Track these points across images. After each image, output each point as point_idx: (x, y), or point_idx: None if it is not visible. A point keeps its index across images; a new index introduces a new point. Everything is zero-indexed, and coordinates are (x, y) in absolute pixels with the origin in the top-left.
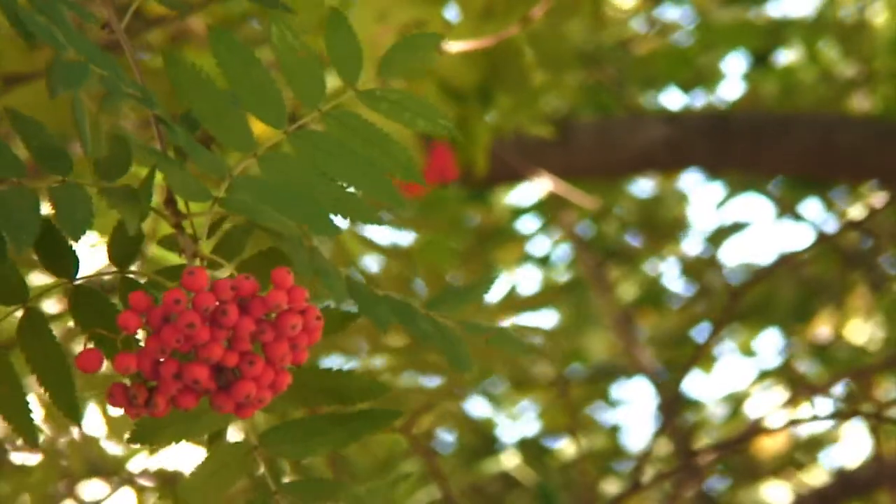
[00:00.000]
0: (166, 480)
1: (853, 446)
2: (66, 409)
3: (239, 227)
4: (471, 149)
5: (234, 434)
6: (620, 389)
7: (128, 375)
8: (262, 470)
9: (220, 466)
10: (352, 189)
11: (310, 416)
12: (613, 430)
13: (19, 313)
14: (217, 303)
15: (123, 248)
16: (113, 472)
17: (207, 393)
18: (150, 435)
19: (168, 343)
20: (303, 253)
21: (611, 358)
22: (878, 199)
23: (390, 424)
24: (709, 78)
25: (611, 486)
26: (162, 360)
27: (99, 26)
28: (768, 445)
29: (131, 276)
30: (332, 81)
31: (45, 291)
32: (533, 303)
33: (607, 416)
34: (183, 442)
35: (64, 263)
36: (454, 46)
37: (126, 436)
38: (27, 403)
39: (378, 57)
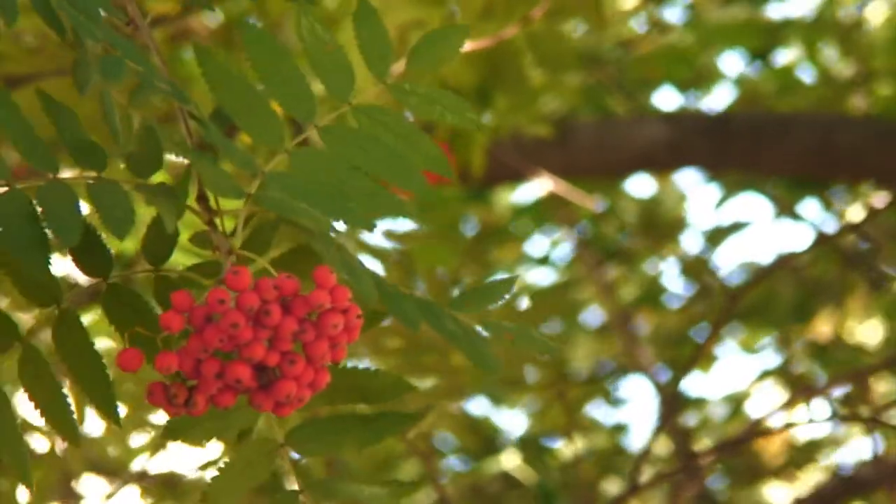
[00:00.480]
0: (165, 482)
1: (853, 447)
2: (105, 407)
3: (266, 224)
4: (468, 149)
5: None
6: (620, 389)
7: (168, 374)
8: (286, 468)
9: (247, 464)
10: (382, 183)
11: (336, 415)
12: (614, 430)
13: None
14: (260, 302)
15: (158, 246)
16: (113, 472)
17: (247, 392)
18: (183, 432)
19: (211, 343)
20: (333, 250)
21: (610, 358)
22: (878, 199)
23: (414, 425)
24: (708, 78)
25: (611, 486)
26: (203, 359)
27: (124, 23)
28: (768, 446)
29: (166, 273)
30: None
31: (80, 290)
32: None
33: (607, 416)
34: (214, 440)
35: (98, 262)
36: None
37: (159, 433)
38: (66, 401)
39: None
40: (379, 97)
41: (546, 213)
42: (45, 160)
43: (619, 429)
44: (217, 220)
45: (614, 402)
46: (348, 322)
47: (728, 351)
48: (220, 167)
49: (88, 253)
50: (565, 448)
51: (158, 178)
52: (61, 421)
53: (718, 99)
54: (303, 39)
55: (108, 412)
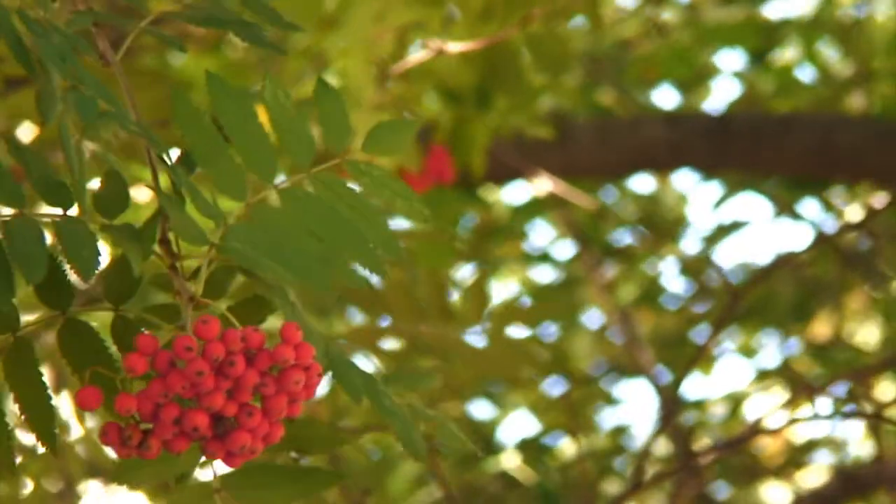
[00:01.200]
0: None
1: (853, 447)
2: (45, 438)
3: (222, 269)
4: (468, 150)
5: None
6: (620, 389)
7: (125, 416)
8: None
9: None
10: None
11: (270, 465)
12: (614, 431)
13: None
14: (226, 353)
15: (120, 285)
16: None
17: (202, 439)
18: (129, 475)
19: (173, 388)
20: (289, 304)
21: (609, 358)
22: (878, 199)
23: (338, 484)
24: (707, 78)
25: (611, 486)
26: (162, 403)
27: (96, 58)
28: (768, 446)
29: (124, 313)
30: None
31: (36, 322)
32: (536, 315)
33: (608, 416)
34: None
35: (58, 295)
36: (452, 47)
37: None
38: (51, 404)
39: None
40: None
41: (545, 212)
42: (12, 195)
43: (620, 429)
44: (178, 265)
45: (614, 402)
46: (308, 379)
47: (728, 351)
48: (187, 213)
49: (50, 286)
50: (566, 448)
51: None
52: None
53: (718, 99)
54: (266, 104)
55: (49, 444)
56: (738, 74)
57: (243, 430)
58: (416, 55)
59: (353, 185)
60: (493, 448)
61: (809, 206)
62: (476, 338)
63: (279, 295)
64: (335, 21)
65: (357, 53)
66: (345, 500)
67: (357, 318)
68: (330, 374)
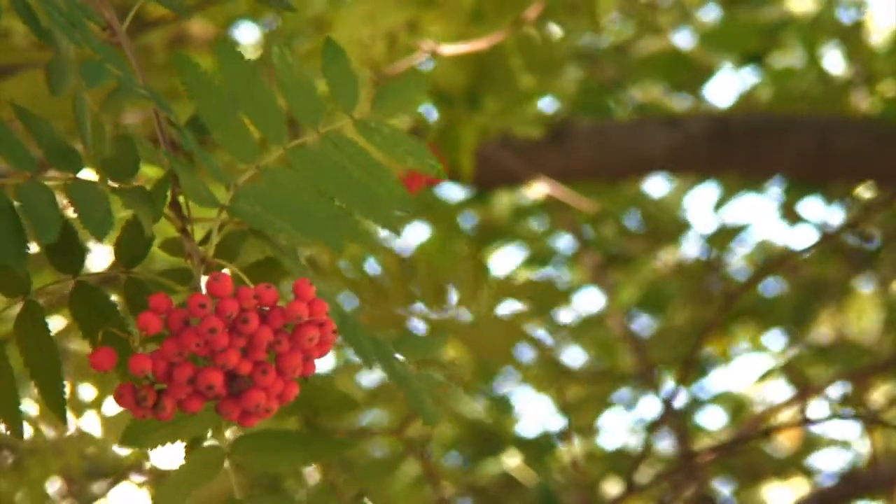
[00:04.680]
0: (160, 477)
1: (854, 447)
2: (54, 405)
3: (235, 233)
4: (456, 151)
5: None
6: (622, 390)
7: (139, 377)
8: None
9: (194, 471)
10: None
11: (279, 430)
12: (614, 431)
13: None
14: (239, 310)
15: (132, 249)
16: (110, 469)
17: (216, 398)
18: (141, 438)
19: (187, 347)
20: (300, 265)
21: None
22: (878, 200)
23: (346, 451)
24: (707, 80)
25: (611, 487)
26: (176, 363)
27: (101, 28)
28: (770, 445)
29: (136, 276)
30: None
31: (48, 286)
32: (531, 289)
33: (608, 416)
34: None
35: (71, 259)
36: (443, 49)
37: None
38: (17, 395)
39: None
40: (346, 130)
41: (546, 215)
42: (24, 161)
43: (620, 429)
44: (189, 228)
45: (614, 402)
46: (323, 336)
47: (730, 351)
48: (197, 175)
49: (63, 250)
50: (567, 448)
51: None
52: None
53: (717, 101)
54: (273, 66)
55: (57, 410)
56: (739, 78)
57: (258, 389)
58: (409, 58)
59: (362, 145)
60: (494, 448)
61: (811, 206)
62: (470, 318)
63: (291, 256)
64: (326, 22)
65: (348, 54)
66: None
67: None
68: (340, 336)
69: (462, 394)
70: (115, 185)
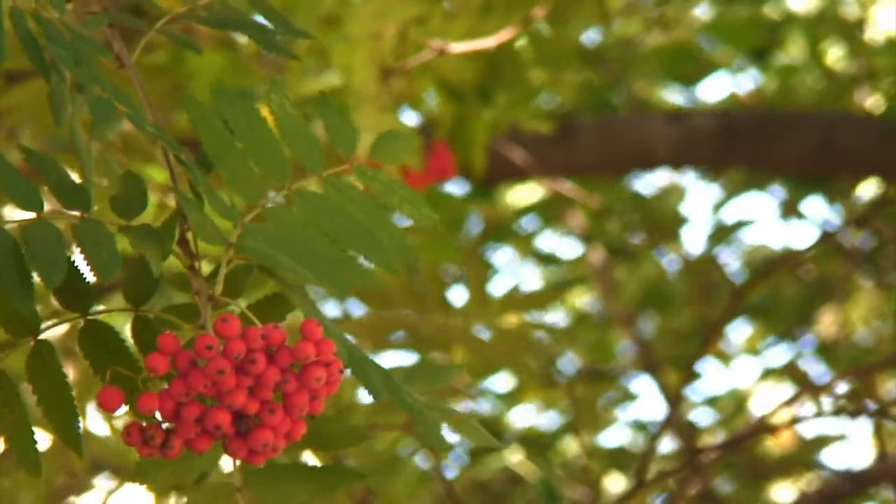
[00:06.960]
0: None
1: (857, 445)
2: (70, 442)
3: (241, 268)
4: (469, 148)
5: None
6: (625, 387)
7: (146, 416)
8: None
9: None
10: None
11: (291, 463)
12: (618, 428)
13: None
14: (246, 350)
15: (140, 287)
16: (116, 468)
17: (224, 438)
18: (150, 475)
19: (195, 387)
20: (308, 302)
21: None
22: (881, 197)
23: (360, 481)
24: (711, 75)
25: (615, 484)
26: (184, 402)
27: (111, 59)
28: (772, 444)
29: (144, 314)
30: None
31: (57, 325)
32: (536, 301)
33: (611, 415)
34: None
35: (78, 298)
36: (454, 46)
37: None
38: (33, 434)
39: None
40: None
41: (551, 210)
42: (29, 199)
43: (625, 426)
44: (196, 265)
45: (619, 399)
46: (330, 375)
47: (733, 349)
48: (205, 213)
49: (69, 289)
50: (571, 445)
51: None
52: (25, 453)
53: (721, 97)
54: (273, 114)
55: (73, 445)
56: (743, 73)
57: (265, 428)
58: (419, 54)
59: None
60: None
61: (814, 205)
62: (478, 328)
63: (298, 293)
64: (337, 18)
65: (360, 50)
66: (350, 499)
67: (357, 310)
68: (349, 371)
69: (476, 423)
70: (123, 222)
